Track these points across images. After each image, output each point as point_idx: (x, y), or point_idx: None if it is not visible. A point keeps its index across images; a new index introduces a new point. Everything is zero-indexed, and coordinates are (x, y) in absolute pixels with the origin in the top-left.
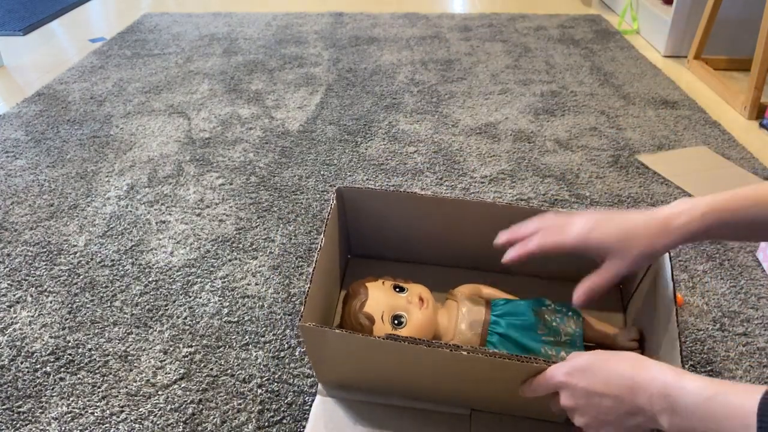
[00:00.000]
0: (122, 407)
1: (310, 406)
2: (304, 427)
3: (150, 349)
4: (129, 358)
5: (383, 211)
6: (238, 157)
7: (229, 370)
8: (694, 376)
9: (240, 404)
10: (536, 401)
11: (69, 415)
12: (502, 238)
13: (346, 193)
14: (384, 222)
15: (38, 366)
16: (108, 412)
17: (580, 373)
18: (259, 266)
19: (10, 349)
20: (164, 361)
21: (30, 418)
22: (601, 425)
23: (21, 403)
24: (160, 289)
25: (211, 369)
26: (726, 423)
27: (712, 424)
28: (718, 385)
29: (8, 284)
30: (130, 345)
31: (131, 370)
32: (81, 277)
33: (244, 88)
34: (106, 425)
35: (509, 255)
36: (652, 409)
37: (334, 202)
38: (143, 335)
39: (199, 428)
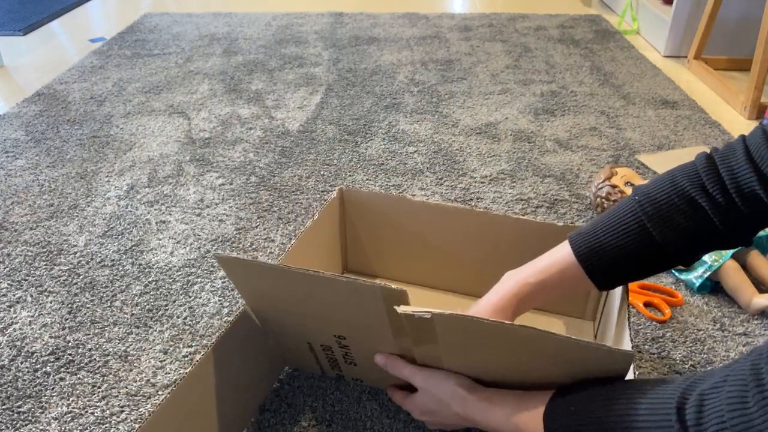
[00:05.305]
0: (122, 407)
1: (309, 405)
2: (303, 427)
3: (150, 349)
4: (129, 358)
5: (385, 219)
6: (238, 157)
7: None
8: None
9: None
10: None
11: (69, 415)
12: None
13: (349, 196)
14: (385, 233)
15: (38, 366)
16: (108, 412)
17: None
18: None
19: (10, 349)
20: (164, 361)
21: (30, 418)
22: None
23: (21, 403)
24: (160, 289)
25: None
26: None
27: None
28: (513, 399)
29: (8, 284)
30: (130, 345)
31: (131, 370)
32: (81, 277)
33: (244, 88)
34: (106, 425)
35: None
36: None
37: (337, 200)
38: (143, 335)
39: None
